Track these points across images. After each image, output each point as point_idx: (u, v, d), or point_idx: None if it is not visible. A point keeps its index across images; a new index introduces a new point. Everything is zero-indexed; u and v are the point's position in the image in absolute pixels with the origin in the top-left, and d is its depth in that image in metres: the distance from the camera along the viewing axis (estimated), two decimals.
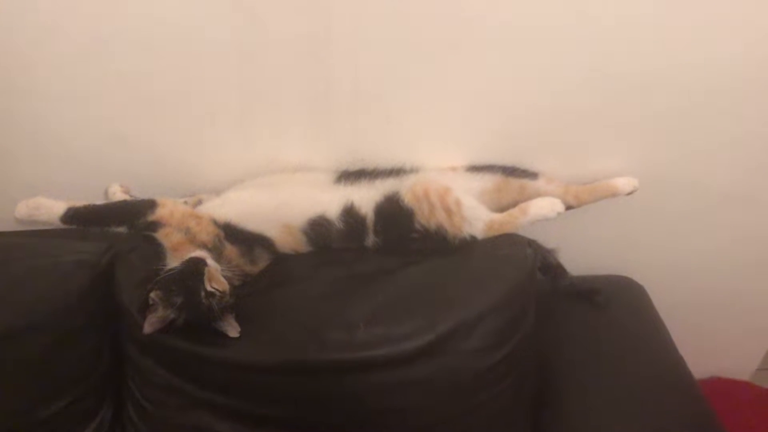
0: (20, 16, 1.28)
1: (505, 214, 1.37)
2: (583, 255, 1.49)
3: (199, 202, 1.42)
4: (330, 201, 1.37)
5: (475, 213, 1.35)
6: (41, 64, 1.34)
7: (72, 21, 1.29)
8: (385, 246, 1.37)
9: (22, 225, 1.34)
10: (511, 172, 1.43)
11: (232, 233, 1.32)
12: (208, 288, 1.17)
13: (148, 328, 1.16)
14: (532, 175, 1.44)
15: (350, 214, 1.36)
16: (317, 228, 1.36)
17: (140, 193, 1.41)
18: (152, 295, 1.16)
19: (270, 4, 1.26)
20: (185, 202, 1.39)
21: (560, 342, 1.43)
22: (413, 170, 1.42)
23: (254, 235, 1.35)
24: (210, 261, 1.22)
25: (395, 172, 1.42)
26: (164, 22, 1.29)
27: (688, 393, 1.33)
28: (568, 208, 1.40)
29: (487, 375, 1.23)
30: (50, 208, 1.29)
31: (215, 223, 1.32)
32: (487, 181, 1.42)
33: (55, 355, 1.25)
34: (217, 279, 1.19)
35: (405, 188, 1.37)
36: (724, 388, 1.86)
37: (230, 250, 1.31)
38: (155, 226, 1.30)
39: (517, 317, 1.27)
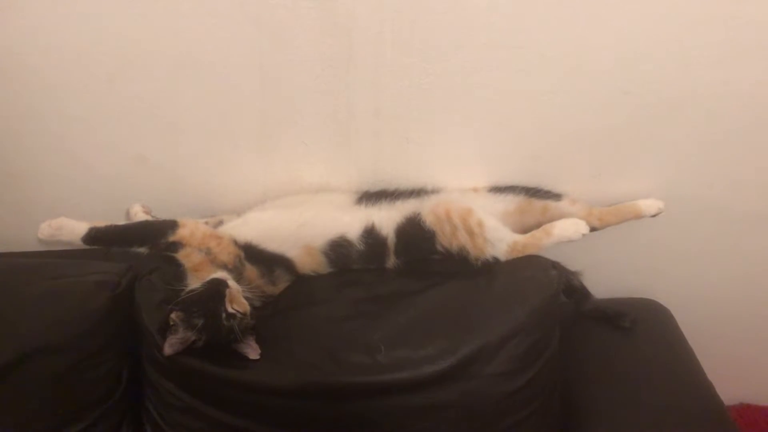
0: (43, 40, 1.30)
1: (528, 235, 1.35)
2: (607, 277, 1.48)
3: (220, 223, 1.41)
4: (351, 222, 1.36)
5: (497, 234, 1.33)
6: (63, 87, 1.36)
7: (95, 44, 1.30)
8: (406, 267, 1.36)
9: (45, 245, 1.36)
10: (534, 193, 1.42)
11: (252, 254, 1.32)
12: (230, 309, 1.16)
13: (168, 349, 1.16)
14: (556, 196, 1.42)
15: (371, 235, 1.35)
16: (338, 249, 1.35)
17: (161, 214, 1.42)
18: (173, 316, 1.16)
19: (293, 28, 1.27)
20: (206, 223, 1.39)
21: (584, 366, 1.40)
22: (434, 191, 1.42)
23: (275, 255, 1.34)
24: (231, 282, 1.21)
25: (416, 192, 1.41)
26: (187, 44, 1.30)
27: (716, 419, 1.29)
28: (592, 229, 1.38)
29: (510, 400, 1.21)
30: (72, 229, 1.30)
31: (236, 243, 1.31)
32: (509, 202, 1.41)
33: (74, 377, 1.24)
34: (238, 300, 1.19)
35: (426, 209, 1.35)
36: (752, 415, 1.81)
37: (250, 270, 1.30)
38: (176, 246, 1.29)
39: (541, 341, 1.25)
